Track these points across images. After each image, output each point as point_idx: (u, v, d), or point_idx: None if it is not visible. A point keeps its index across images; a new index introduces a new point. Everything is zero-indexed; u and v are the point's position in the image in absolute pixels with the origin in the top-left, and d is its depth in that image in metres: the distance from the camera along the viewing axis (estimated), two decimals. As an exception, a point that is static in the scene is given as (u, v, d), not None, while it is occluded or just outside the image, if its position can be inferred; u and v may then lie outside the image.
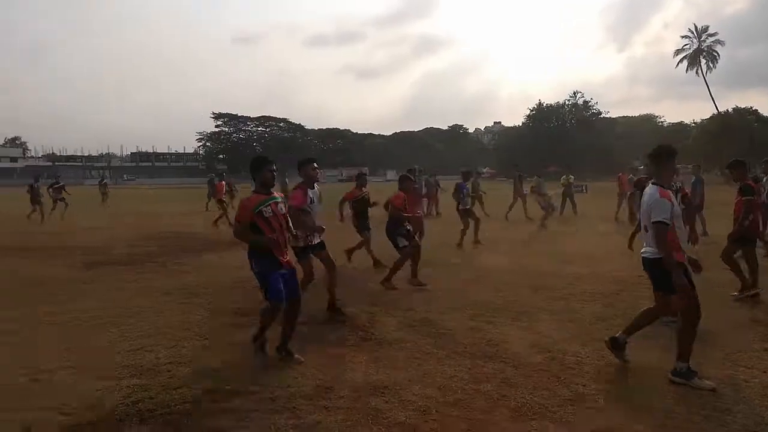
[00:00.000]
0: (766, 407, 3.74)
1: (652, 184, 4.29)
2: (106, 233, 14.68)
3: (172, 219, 19.34)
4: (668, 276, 4.05)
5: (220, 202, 17.14)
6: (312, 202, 6.11)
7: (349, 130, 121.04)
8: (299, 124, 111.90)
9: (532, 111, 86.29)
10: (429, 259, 8.67)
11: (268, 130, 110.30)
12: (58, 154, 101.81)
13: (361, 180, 9.22)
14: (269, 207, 4.61)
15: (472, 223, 12.02)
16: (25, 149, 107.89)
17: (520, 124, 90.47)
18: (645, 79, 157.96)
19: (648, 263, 4.31)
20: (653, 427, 3.46)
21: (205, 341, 5.27)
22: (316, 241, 6.10)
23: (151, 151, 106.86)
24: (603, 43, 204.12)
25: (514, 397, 3.90)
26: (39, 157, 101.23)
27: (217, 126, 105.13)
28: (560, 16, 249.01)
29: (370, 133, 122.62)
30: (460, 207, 12.05)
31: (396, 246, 7.70)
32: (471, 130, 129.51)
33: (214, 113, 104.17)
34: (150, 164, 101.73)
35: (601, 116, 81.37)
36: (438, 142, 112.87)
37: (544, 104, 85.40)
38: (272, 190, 4.74)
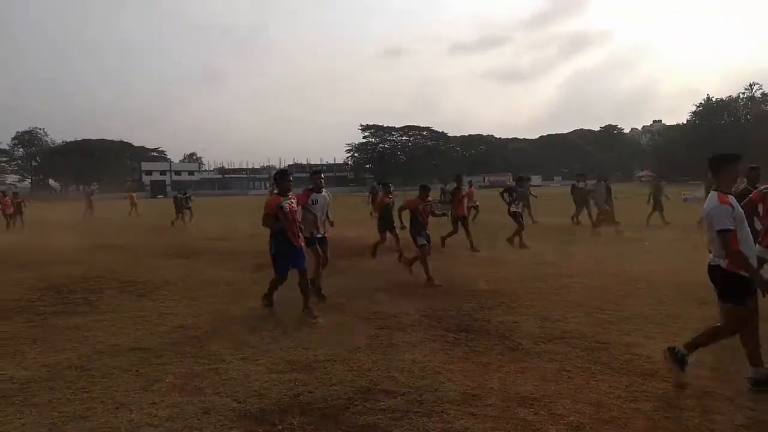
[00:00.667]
0: None
1: (713, 191, 4.14)
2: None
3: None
4: (734, 285, 3.97)
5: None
6: (315, 203, 7.59)
7: (492, 136, 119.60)
8: (442, 131, 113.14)
9: (698, 107, 78.27)
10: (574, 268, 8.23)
11: (411, 138, 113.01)
12: (227, 167, 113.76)
13: (424, 190, 9.10)
14: (286, 204, 6.65)
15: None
16: (200, 164, 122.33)
17: (684, 122, 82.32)
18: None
19: (713, 272, 4.12)
20: None
21: (358, 342, 5.56)
22: (318, 234, 7.63)
23: (306, 163, 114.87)
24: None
25: (678, 419, 3.59)
26: (211, 170, 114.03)
27: (364, 137, 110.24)
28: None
29: (515, 138, 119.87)
30: (511, 209, 13.07)
31: (416, 244, 8.80)
32: (626, 131, 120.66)
33: (361, 125, 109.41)
34: (305, 175, 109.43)
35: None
36: (589, 144, 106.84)
37: (713, 99, 76.78)
38: (289, 193, 6.82)
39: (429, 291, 7.98)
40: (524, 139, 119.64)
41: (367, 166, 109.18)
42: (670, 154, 77.69)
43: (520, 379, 4.43)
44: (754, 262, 4.02)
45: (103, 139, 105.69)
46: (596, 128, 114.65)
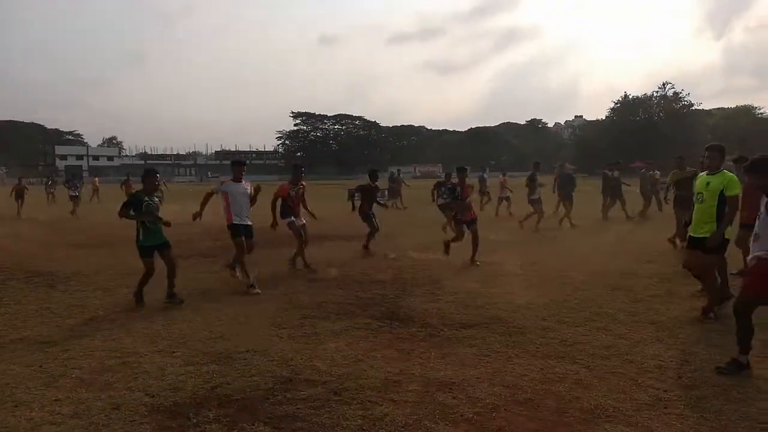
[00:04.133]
0: None
1: None
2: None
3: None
4: None
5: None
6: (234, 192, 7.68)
7: (423, 127, 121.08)
8: (374, 121, 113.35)
9: (616, 104, 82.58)
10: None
11: (344, 128, 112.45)
12: (150, 152, 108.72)
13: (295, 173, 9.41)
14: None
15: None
16: (120, 149, 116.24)
17: (603, 118, 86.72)
18: (746, 69, 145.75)
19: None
20: (741, 438, 3.23)
21: (280, 331, 5.46)
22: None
23: (234, 149, 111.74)
24: (699, 29, 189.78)
25: (587, 398, 3.77)
26: (133, 156, 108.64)
27: (295, 125, 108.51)
28: (652, 3, 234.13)
29: (445, 130, 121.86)
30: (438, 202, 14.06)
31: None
32: (551, 125, 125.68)
33: (293, 112, 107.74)
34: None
35: (693, 108, 76.29)
36: (515, 137, 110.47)
37: (630, 96, 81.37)
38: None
39: (357, 279, 7.96)
40: (454, 131, 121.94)
41: (299, 153, 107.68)
42: (590, 147, 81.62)
43: (440, 364, 4.50)
44: None
45: (11, 121, 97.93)
46: (522, 122, 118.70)
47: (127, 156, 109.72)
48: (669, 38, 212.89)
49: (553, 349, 4.83)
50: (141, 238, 6.58)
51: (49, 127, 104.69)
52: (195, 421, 3.49)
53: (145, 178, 6.81)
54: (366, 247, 10.53)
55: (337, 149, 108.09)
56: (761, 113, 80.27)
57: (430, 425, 3.43)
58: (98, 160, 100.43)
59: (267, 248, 11.21)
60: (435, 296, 6.88)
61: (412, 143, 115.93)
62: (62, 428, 3.42)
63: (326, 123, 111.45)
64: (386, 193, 16.80)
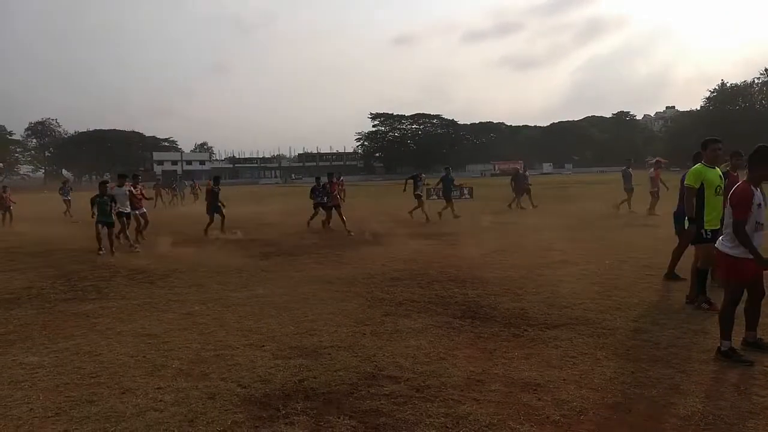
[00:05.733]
0: None
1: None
2: (273, 228, 16.13)
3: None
4: None
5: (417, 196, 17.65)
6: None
7: (502, 123, 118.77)
8: (452, 119, 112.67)
9: (712, 93, 77.10)
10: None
11: (421, 127, 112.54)
12: (237, 156, 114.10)
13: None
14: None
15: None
16: (211, 153, 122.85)
17: (699, 108, 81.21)
18: None
19: None
20: None
21: (363, 328, 5.57)
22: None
23: (316, 152, 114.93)
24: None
25: (683, 405, 3.56)
26: (222, 160, 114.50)
27: (374, 126, 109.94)
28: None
29: (525, 125, 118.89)
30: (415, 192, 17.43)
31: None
32: (639, 117, 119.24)
33: (371, 114, 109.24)
34: (314, 164, 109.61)
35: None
36: (600, 131, 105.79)
37: (728, 84, 75.65)
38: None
39: (437, 278, 7.96)
40: (535, 126, 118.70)
41: (377, 154, 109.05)
42: (683, 140, 76.68)
43: (524, 365, 4.41)
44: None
45: (114, 130, 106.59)
46: (608, 115, 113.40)
47: (217, 160, 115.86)
48: (763, 22, 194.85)
49: (646, 351, 4.60)
50: (95, 216, 11.65)
51: (147, 135, 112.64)
52: (284, 412, 3.64)
53: (100, 186, 12.01)
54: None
55: (415, 149, 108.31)
56: None
57: (515, 426, 3.37)
58: (191, 164, 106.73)
59: (349, 249, 11.47)
60: (517, 296, 6.74)
61: (491, 140, 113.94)
62: (164, 414, 3.68)
63: (404, 123, 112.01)
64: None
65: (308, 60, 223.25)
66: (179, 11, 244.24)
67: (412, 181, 18.23)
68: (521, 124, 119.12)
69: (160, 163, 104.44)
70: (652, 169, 17.07)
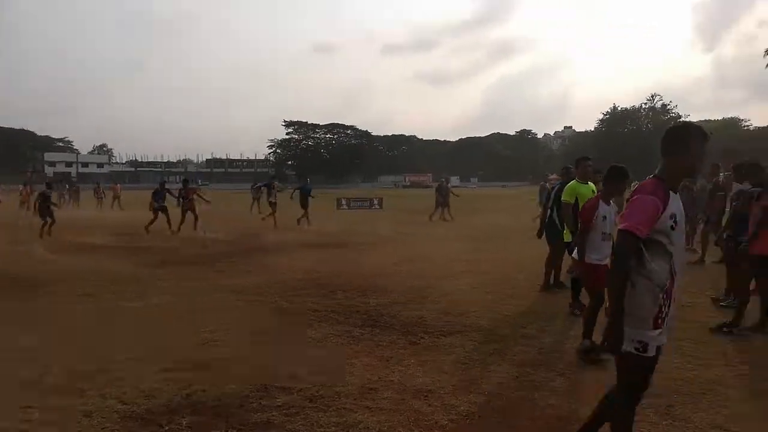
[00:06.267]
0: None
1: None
2: (179, 237, 15.45)
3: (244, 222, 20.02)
4: None
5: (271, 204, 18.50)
6: None
7: (415, 137, 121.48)
8: (366, 131, 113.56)
9: (605, 115, 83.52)
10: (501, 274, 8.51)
11: (335, 137, 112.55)
12: (140, 160, 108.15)
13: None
14: None
15: None
16: (111, 156, 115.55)
17: (593, 129, 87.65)
18: (734, 81, 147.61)
19: None
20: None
21: (261, 338, 5.44)
22: None
23: (225, 158, 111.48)
24: (689, 43, 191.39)
25: (561, 406, 3.79)
26: (123, 163, 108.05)
27: (287, 133, 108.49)
28: (643, 16, 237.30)
29: (436, 140, 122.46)
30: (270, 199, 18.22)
31: None
32: (540, 136, 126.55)
33: (285, 121, 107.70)
34: (223, 170, 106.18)
35: (681, 120, 77.27)
36: (505, 148, 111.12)
37: (619, 108, 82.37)
38: None
39: (341, 287, 7.94)
40: (446, 141, 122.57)
41: (290, 162, 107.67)
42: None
43: (418, 371, 4.50)
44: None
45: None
46: (512, 133, 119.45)
47: (117, 163, 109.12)
48: (659, 51, 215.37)
49: (531, 357, 4.86)
50: None
51: (40, 134, 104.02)
52: (167, 428, 3.47)
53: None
54: None
55: (328, 158, 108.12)
56: (747, 126, 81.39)
57: (403, 431, 3.43)
58: (87, 166, 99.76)
59: (252, 258, 11.22)
60: (418, 304, 6.88)
61: (403, 152, 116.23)
62: (32, 435, 3.38)
63: (318, 132, 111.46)
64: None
65: (222, 63, 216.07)
66: (92, 4, 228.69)
67: (266, 188, 19.47)
68: (432, 139, 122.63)
69: (52, 164, 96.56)
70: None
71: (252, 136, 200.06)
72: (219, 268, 9.87)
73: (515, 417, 3.68)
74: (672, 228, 2.54)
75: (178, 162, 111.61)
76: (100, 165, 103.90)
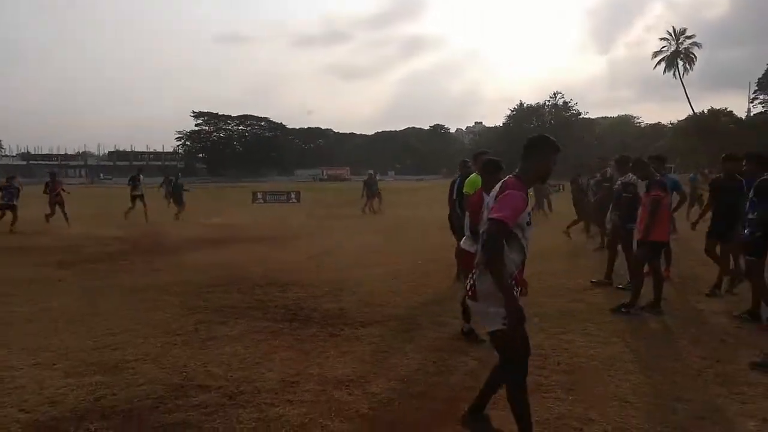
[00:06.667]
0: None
1: None
2: (76, 232, 14.48)
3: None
4: None
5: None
6: None
7: (330, 130, 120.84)
8: (280, 123, 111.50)
9: (513, 111, 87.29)
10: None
11: (248, 129, 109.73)
12: (33, 152, 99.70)
13: None
14: None
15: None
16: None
17: (501, 125, 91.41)
18: (626, 81, 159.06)
19: None
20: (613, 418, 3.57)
21: (174, 338, 5.25)
22: None
23: (129, 150, 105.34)
24: (587, 44, 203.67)
25: (476, 388, 3.96)
26: (13, 156, 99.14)
27: (197, 125, 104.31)
28: (546, 18, 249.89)
29: (352, 133, 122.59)
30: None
31: None
32: (453, 130, 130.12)
33: (194, 112, 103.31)
34: (128, 163, 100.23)
35: (581, 117, 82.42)
36: (419, 142, 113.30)
37: (525, 105, 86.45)
38: None
39: (258, 282, 7.81)
40: (361, 134, 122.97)
41: (200, 155, 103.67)
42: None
43: (339, 362, 4.55)
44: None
45: None
46: (426, 127, 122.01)
47: (7, 156, 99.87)
48: (560, 51, 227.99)
49: (447, 342, 5.05)
50: None
51: None
52: (74, 436, 3.29)
53: None
54: None
55: (241, 150, 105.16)
56: (639, 123, 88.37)
57: (326, 423, 3.47)
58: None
59: (162, 256, 10.77)
60: (336, 297, 6.92)
61: (319, 146, 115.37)
62: None
63: (230, 123, 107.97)
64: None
65: (123, 51, 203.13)
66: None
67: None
68: (348, 132, 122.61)
69: None
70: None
71: (159, 128, 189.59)
72: (123, 267, 9.38)
73: (433, 401, 3.82)
74: (528, 224, 2.93)
75: (77, 154, 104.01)
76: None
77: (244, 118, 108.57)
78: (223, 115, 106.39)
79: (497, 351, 3.07)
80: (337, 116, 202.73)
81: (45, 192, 16.18)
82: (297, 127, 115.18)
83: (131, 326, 5.63)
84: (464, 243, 5.14)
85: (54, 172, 17.80)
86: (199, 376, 4.24)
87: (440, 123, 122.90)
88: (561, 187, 32.38)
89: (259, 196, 30.10)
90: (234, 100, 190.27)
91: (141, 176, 18.32)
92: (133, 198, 17.85)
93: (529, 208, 2.94)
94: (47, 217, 15.79)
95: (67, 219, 15.70)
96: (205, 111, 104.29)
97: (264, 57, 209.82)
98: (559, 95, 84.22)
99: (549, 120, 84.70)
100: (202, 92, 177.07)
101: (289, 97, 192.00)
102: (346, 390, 3.97)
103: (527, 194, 2.94)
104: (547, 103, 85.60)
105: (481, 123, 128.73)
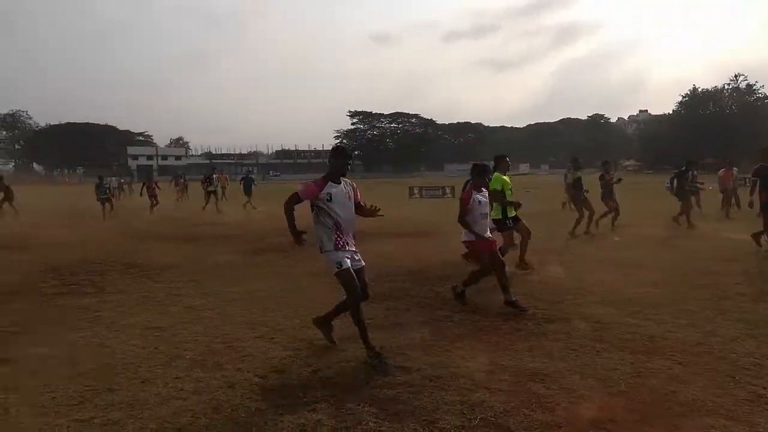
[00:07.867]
0: None
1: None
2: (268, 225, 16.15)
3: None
4: None
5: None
6: None
7: (480, 124, 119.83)
8: (430, 119, 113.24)
9: (684, 97, 79.14)
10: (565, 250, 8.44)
11: (400, 126, 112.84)
12: (214, 152, 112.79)
13: None
14: None
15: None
16: (187, 149, 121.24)
17: (671, 112, 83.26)
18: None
19: None
20: None
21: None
22: None
23: (294, 149, 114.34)
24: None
25: (683, 393, 3.79)
26: (199, 156, 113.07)
27: (353, 123, 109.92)
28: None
29: (503, 126, 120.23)
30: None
31: None
32: (613, 120, 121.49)
33: (350, 111, 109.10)
34: (292, 161, 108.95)
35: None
36: (576, 133, 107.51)
37: (699, 89, 77.77)
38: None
39: (430, 276, 8.12)
40: (512, 127, 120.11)
41: (356, 152, 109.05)
42: (656, 143, 78.54)
43: (528, 356, 4.61)
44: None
45: (87, 123, 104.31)
46: (583, 117, 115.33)
47: (193, 156, 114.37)
48: (742, 27, 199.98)
49: (642, 344, 4.84)
50: None
51: (121, 128, 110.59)
52: (305, 400, 3.78)
53: None
54: None
55: (393, 147, 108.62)
56: None
57: (528, 412, 3.56)
58: (167, 159, 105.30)
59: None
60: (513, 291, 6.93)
61: (469, 140, 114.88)
62: (188, 403, 3.78)
63: (383, 121, 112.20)
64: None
65: (287, 55, 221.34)
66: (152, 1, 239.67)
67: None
68: (498, 125, 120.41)
69: (135, 157, 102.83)
70: (723, 170, 17.96)
71: (319, 126, 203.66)
72: (307, 254, 10.27)
73: (637, 402, 3.72)
74: (328, 200, 4.55)
75: (250, 153, 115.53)
76: (177, 158, 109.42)
77: (396, 116, 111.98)
78: (377, 114, 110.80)
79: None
80: (487, 109, 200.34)
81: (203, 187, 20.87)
82: (447, 123, 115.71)
83: (326, 309, 6.20)
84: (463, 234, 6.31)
85: (180, 174, 23.21)
86: (397, 357, 4.58)
87: (599, 113, 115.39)
88: (747, 181, 28.67)
89: (415, 191, 30.91)
90: (387, 98, 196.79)
91: (214, 175, 21.42)
92: (207, 194, 20.63)
93: (328, 191, 4.60)
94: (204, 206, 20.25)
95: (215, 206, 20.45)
96: (360, 110, 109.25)
97: (415, 55, 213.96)
98: (741, 77, 74.41)
99: (729, 105, 75.33)
100: (358, 92, 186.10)
101: (441, 93, 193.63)
102: (542, 383, 4.02)
103: (325, 183, 4.63)
104: (726, 86, 76.01)
105: (646, 111, 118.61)
